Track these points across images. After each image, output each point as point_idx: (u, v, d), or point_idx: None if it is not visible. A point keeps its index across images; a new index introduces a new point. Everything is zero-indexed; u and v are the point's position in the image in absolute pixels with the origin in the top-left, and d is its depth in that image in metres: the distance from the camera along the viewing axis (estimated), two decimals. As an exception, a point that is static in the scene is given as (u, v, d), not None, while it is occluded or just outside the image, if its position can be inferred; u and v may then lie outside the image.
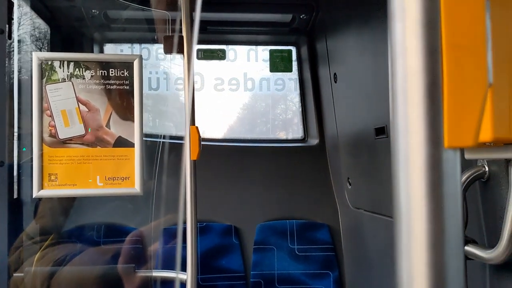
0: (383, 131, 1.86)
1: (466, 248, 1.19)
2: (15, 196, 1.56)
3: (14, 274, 1.50)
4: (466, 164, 1.23)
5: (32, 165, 1.43)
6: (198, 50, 2.69)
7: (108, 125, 1.47)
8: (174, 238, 2.27)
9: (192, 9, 1.47)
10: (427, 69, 0.35)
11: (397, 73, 0.36)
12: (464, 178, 1.20)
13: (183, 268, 1.42)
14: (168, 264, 1.70)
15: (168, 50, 1.48)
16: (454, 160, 0.36)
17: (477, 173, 1.24)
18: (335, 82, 2.42)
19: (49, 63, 1.44)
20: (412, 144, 0.35)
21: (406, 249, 0.36)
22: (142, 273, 1.59)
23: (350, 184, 2.41)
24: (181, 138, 2.67)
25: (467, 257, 1.19)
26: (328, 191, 2.73)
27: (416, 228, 0.36)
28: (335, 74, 2.42)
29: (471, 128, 0.36)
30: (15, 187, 1.55)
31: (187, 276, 1.40)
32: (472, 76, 0.36)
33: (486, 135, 0.43)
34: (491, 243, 1.23)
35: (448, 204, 0.36)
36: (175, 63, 2.85)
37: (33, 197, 1.43)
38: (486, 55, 0.37)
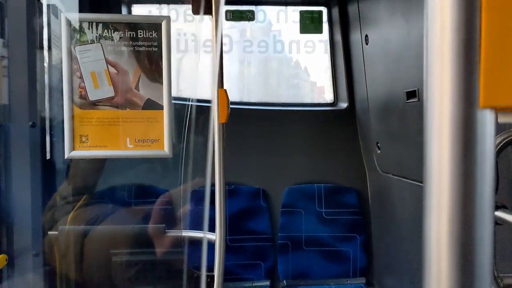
0: (414, 95, 1.83)
1: (496, 213, 1.18)
2: (48, 157, 1.59)
3: (49, 232, 1.54)
4: (499, 129, 1.20)
5: (63, 126, 1.45)
6: (227, 11, 2.66)
7: (137, 87, 1.47)
8: (203, 200, 2.30)
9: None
10: (464, 24, 0.33)
11: (432, 29, 0.35)
12: (496, 142, 1.18)
13: (212, 229, 1.44)
14: (198, 225, 1.72)
15: (196, 11, 1.46)
16: (489, 122, 0.35)
17: (510, 138, 1.21)
18: (367, 44, 2.38)
19: (78, 24, 1.44)
20: (446, 103, 0.34)
21: (435, 210, 0.36)
22: (172, 234, 1.62)
23: (379, 149, 2.39)
24: (210, 101, 2.68)
25: (497, 222, 1.18)
26: (356, 155, 2.72)
27: (446, 189, 0.35)
28: (366, 36, 2.37)
29: (507, 88, 0.35)
30: (48, 148, 1.57)
31: (216, 237, 1.42)
32: (510, 33, 0.35)
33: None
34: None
35: (480, 166, 0.35)
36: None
37: (65, 158, 1.46)
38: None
